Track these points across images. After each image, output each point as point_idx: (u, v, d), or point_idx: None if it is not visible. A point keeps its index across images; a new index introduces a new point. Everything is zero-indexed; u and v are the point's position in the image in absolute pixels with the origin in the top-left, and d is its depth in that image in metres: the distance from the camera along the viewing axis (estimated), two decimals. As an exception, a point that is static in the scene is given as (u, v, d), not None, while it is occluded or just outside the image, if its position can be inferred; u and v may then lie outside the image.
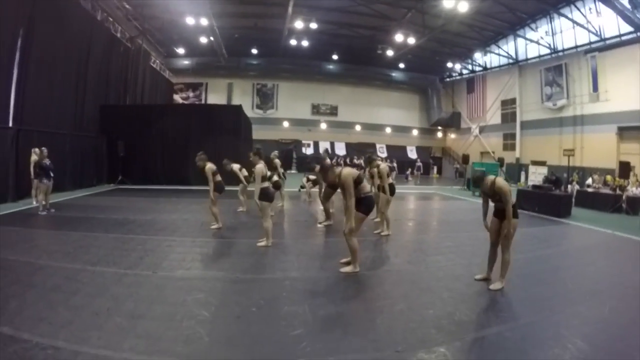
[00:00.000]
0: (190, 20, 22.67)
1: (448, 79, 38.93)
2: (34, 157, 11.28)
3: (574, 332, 4.06)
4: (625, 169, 17.88)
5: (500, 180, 5.41)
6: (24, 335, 3.60)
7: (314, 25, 25.18)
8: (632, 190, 17.69)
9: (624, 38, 21.91)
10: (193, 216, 10.65)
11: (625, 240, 9.75)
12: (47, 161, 10.74)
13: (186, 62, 33.23)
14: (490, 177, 5.42)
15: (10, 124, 12.73)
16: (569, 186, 18.97)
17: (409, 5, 23.76)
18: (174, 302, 4.62)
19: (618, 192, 16.54)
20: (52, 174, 10.67)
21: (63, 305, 4.37)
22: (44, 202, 10.52)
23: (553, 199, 13.88)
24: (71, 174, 15.39)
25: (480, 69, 34.52)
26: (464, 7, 20.40)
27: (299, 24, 24.71)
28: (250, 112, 35.62)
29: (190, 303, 4.61)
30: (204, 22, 22.41)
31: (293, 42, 28.89)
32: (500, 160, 26.71)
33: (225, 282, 5.49)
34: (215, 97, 35.58)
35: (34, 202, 11.19)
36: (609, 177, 19.40)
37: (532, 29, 27.19)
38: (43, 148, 11.05)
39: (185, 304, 4.58)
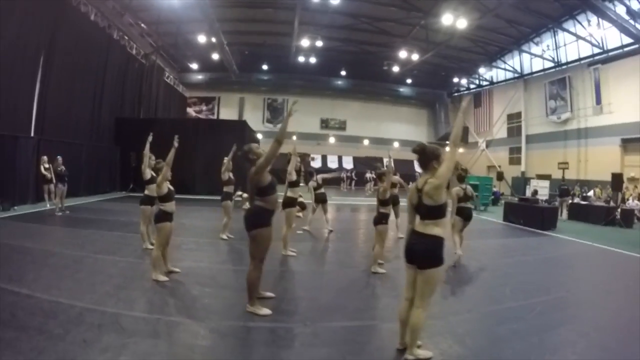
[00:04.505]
0: (201, 38, 23.74)
1: (456, 94, 39.25)
2: (43, 165, 12.17)
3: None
4: (617, 181, 17.08)
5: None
6: (40, 295, 4.73)
7: (319, 43, 26.10)
8: (630, 202, 17.76)
9: (626, 49, 21.98)
10: (189, 221, 11.21)
11: (601, 251, 9.84)
12: (62, 168, 11.71)
13: (200, 77, 34.32)
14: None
15: (32, 134, 13.91)
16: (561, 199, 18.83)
17: (412, 22, 24.39)
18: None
19: (612, 204, 16.35)
20: (66, 179, 11.68)
21: (70, 278, 5.55)
22: (60, 205, 11.53)
23: (537, 211, 13.83)
24: (86, 180, 16.52)
25: (487, 83, 34.99)
26: (462, 24, 20.98)
27: (305, 42, 25.66)
28: (260, 125, 36.62)
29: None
30: (215, 39, 23.43)
31: (301, 58, 29.88)
32: (499, 174, 26.82)
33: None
34: (227, 111, 36.69)
35: (48, 205, 12.13)
36: (610, 190, 19.28)
37: (535, 43, 27.63)
38: (58, 156, 12.04)
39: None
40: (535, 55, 27.94)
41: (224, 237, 8.64)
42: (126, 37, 21.14)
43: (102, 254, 7.04)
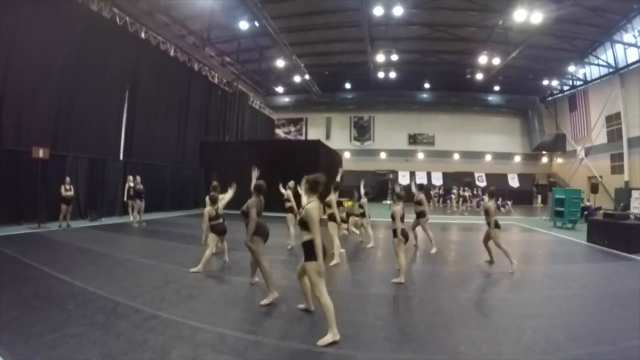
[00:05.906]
0: (280, 63, 25.19)
1: (550, 98, 36.23)
2: (129, 184, 13.90)
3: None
4: None
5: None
6: (77, 283, 6.10)
7: (395, 57, 25.97)
8: None
9: None
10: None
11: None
12: (140, 186, 13.42)
13: (286, 99, 35.99)
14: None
15: (121, 157, 16.34)
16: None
17: (489, 24, 23.17)
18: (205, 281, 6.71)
19: None
20: (143, 196, 13.42)
21: (105, 274, 6.83)
22: (138, 218, 13.32)
23: (623, 229, 11.08)
24: (171, 198, 18.69)
25: (581, 82, 31.62)
26: (537, 19, 19.49)
27: (380, 57, 25.75)
28: (348, 144, 37.54)
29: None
30: (291, 63, 24.75)
31: (381, 74, 29.88)
32: (594, 186, 23.51)
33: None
34: (314, 131, 37.85)
35: (131, 217, 13.85)
36: None
37: (625, 30, 24.00)
38: (137, 176, 13.79)
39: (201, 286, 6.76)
40: (629, 45, 24.41)
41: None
42: (207, 67, 23.25)
43: (146, 258, 8.19)
